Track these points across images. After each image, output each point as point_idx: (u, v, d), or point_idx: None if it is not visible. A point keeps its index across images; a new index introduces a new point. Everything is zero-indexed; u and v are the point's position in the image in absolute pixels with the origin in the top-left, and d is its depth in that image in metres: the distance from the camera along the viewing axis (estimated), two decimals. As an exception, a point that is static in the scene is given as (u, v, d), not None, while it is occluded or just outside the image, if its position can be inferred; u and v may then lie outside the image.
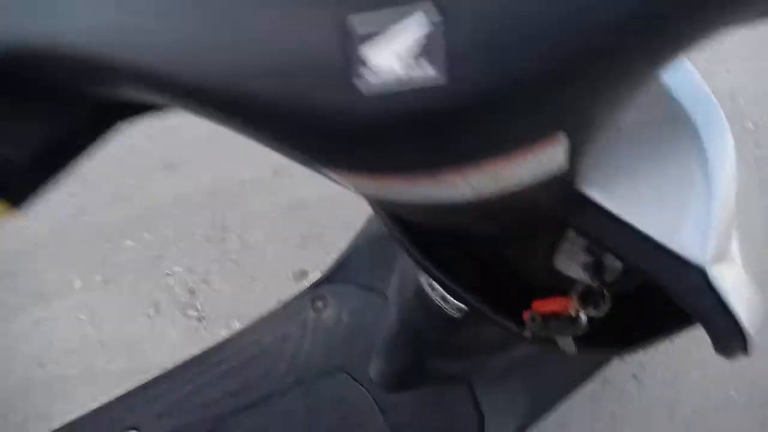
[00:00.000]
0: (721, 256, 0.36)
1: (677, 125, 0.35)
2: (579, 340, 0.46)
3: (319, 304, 1.00)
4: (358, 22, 0.18)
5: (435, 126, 0.20)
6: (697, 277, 0.34)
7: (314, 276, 1.34)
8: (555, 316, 0.44)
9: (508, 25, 0.19)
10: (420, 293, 0.72)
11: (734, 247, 0.39)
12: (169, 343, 1.31)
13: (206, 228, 1.46)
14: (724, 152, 0.35)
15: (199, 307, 1.35)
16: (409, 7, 0.18)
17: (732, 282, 0.36)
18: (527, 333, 0.45)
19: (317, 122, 0.21)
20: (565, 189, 0.33)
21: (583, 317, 0.43)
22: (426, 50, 0.18)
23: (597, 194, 0.34)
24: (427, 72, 0.18)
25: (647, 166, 0.35)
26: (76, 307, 1.36)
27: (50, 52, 0.20)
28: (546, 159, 0.25)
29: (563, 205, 0.35)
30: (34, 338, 1.33)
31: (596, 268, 0.43)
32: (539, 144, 0.24)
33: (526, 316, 0.45)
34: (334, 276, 1.03)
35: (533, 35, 0.19)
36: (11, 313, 1.36)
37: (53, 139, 0.25)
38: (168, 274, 1.40)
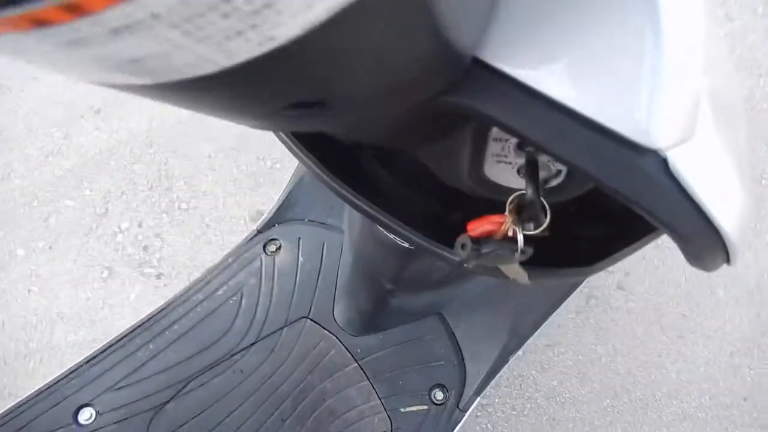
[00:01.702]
0: (684, 135, 0.26)
1: None
2: (528, 266, 0.37)
3: (272, 247, 0.92)
4: None
5: None
6: (651, 166, 0.25)
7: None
8: (488, 238, 0.34)
9: None
10: (369, 226, 0.64)
11: (705, 120, 0.29)
12: (131, 306, 1.24)
13: (149, 177, 1.35)
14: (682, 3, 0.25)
15: (155, 263, 1.27)
16: None
17: (702, 169, 0.27)
18: (460, 260, 0.36)
19: None
20: (446, 53, 0.22)
21: (520, 236, 0.34)
22: None
23: (506, 65, 0.24)
24: None
25: (576, 26, 0.25)
26: (25, 277, 1.27)
27: None
28: None
29: (462, 87, 0.25)
30: (-16, 317, 1.25)
31: (531, 171, 0.34)
32: None
33: (456, 242, 0.35)
34: (283, 214, 0.95)
35: None
36: (-45, 294, 1.27)
37: None
38: (117, 231, 1.30)
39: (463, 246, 0.33)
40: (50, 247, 1.30)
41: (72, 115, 1.41)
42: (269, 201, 1.29)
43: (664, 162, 0.24)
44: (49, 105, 1.42)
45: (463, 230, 0.36)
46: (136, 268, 1.27)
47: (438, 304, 0.83)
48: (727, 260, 0.31)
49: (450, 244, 0.42)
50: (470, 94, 0.25)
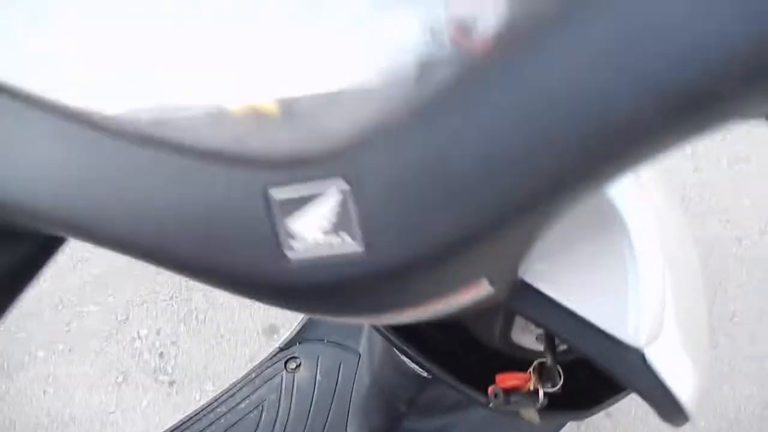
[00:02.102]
0: (655, 335, 0.39)
1: (604, 210, 0.38)
2: (540, 410, 0.49)
3: (293, 365, 1.01)
4: (279, 198, 0.19)
5: (355, 289, 0.21)
6: (635, 359, 0.37)
7: (284, 331, 1.35)
8: (516, 390, 0.47)
9: (417, 193, 0.19)
10: (389, 352, 0.74)
11: (669, 319, 0.43)
12: (142, 412, 1.29)
13: (171, 287, 1.45)
14: (647, 237, 0.38)
15: (170, 370, 1.34)
16: (321, 181, 0.19)
17: (668, 359, 0.39)
18: (492, 405, 0.48)
19: (245, 281, 0.22)
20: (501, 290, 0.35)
21: (541, 392, 0.46)
22: (341, 220, 0.19)
23: (538, 283, 0.37)
24: (345, 240, 0.19)
25: (582, 254, 0.38)
26: (42, 378, 1.33)
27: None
28: (470, 296, 0.28)
29: (505, 296, 0.37)
30: (-3, 416, 1.29)
31: (548, 341, 0.47)
32: (461, 290, 0.26)
33: (490, 391, 0.48)
34: (305, 334, 1.05)
35: (445, 202, 0.19)
36: (-29, 391, 1.31)
37: (8, 269, 0.27)
38: (135, 337, 1.38)
39: (495, 395, 0.45)
40: (70, 350, 1.37)
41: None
42: (281, 315, 1.38)
43: (643, 356, 0.37)
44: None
45: (489, 375, 0.48)
46: (151, 374, 1.33)
47: (448, 426, 0.91)
48: (687, 419, 0.43)
49: (467, 380, 0.53)
50: (510, 301, 0.38)
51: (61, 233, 0.23)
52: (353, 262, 0.20)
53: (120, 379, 1.33)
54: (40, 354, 1.36)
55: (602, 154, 0.18)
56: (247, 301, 1.42)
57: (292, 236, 0.20)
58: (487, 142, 0.17)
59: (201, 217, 0.20)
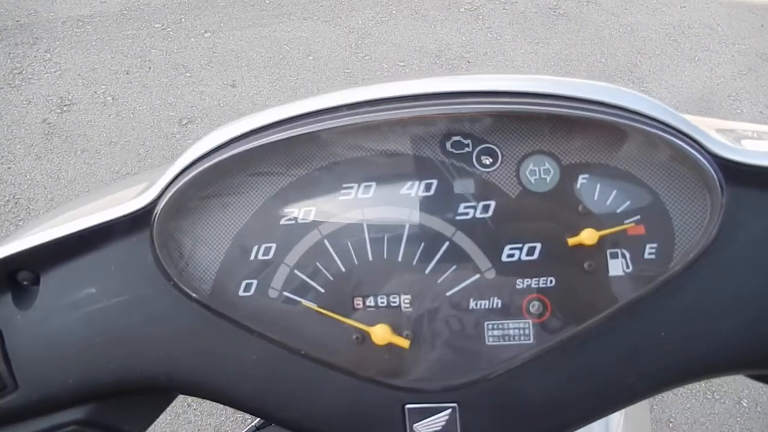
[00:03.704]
0: None
1: None
2: None
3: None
4: (411, 409, 0.28)
5: None
6: None
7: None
8: None
9: (505, 419, 0.28)
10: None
11: None
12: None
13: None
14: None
15: None
16: (443, 405, 0.28)
17: None
18: None
19: None
20: None
21: None
22: (447, 427, 0.28)
23: None
24: None
25: None
26: None
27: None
28: None
29: None
30: None
31: None
32: None
33: None
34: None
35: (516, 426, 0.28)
36: None
37: (142, 422, 0.36)
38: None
39: None
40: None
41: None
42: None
43: None
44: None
45: None
46: None
47: None
48: None
49: None
50: None
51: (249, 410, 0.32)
52: None
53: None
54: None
55: None
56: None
57: None
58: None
59: (355, 418, 0.28)
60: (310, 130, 0.26)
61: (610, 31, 3.10)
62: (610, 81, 2.65)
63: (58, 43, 2.51)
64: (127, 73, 2.38)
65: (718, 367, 0.27)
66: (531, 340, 0.27)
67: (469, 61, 2.69)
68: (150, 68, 2.42)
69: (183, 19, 2.72)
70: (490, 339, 0.27)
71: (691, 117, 0.28)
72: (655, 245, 0.27)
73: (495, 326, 0.27)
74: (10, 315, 0.30)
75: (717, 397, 1.59)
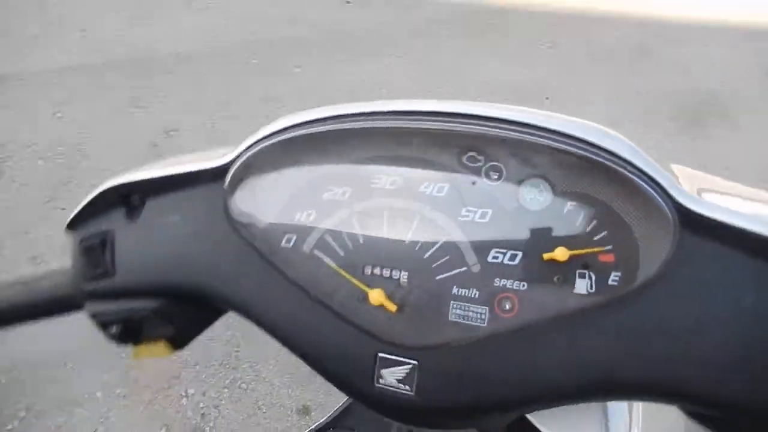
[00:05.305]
0: None
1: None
2: None
3: (323, 449, 1.14)
4: (382, 357, 0.34)
5: (407, 412, 0.36)
6: None
7: (316, 413, 1.48)
8: None
9: (456, 383, 0.33)
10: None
11: None
12: (176, 464, 1.43)
13: (222, 355, 1.62)
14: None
15: (207, 431, 1.48)
16: (407, 359, 0.34)
17: None
18: None
19: (346, 388, 0.37)
20: None
21: None
22: (406, 378, 0.34)
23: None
24: (405, 388, 0.34)
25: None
26: (96, 417, 1.49)
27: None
28: None
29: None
30: (51, 445, 1.45)
31: None
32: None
33: None
34: (336, 422, 1.18)
35: (470, 392, 0.33)
36: (35, 417, 1.48)
37: (198, 325, 0.45)
38: (183, 395, 1.54)
39: None
40: (124, 396, 1.53)
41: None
42: (316, 398, 1.53)
43: None
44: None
45: None
46: (191, 431, 1.48)
47: None
48: None
49: None
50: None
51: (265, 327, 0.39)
52: (408, 399, 0.35)
53: (163, 431, 1.47)
54: (99, 394, 1.53)
55: None
56: (287, 380, 1.57)
57: (381, 377, 0.35)
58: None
59: (343, 353, 0.35)
60: (365, 126, 0.34)
61: (696, 67, 3.04)
62: (693, 119, 2.59)
63: (167, 77, 2.81)
64: (227, 103, 2.63)
65: (631, 388, 0.32)
66: (485, 324, 0.32)
67: (546, 98, 2.73)
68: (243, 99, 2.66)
69: (274, 54, 2.95)
70: (453, 316, 0.33)
71: (676, 166, 0.34)
72: (619, 274, 0.30)
73: (460, 307, 0.33)
74: (122, 224, 0.42)
75: None
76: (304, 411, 1.51)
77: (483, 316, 0.32)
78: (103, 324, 0.43)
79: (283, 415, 1.50)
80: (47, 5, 3.33)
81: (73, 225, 0.44)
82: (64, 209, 1.98)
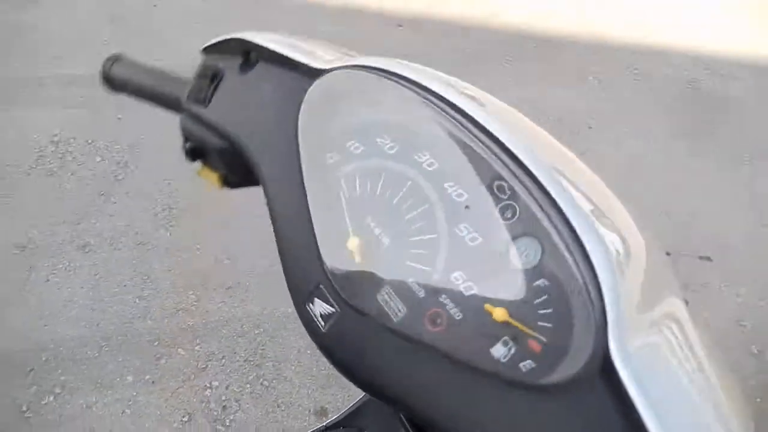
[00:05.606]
0: None
1: None
2: None
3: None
4: (319, 290, 0.38)
5: (316, 344, 0.39)
6: None
7: (333, 416, 1.51)
8: None
9: (355, 352, 0.36)
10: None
11: None
12: (195, 451, 1.47)
13: (248, 351, 1.67)
14: None
15: (227, 423, 1.52)
16: (333, 305, 0.36)
17: None
18: None
19: None
20: None
21: None
22: (326, 317, 0.37)
23: None
24: (320, 323, 0.37)
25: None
26: (124, 400, 1.56)
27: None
28: None
29: None
30: (80, 422, 1.51)
31: None
32: None
33: None
34: (348, 422, 1.20)
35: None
36: (68, 394, 1.56)
37: (243, 180, 0.52)
38: (207, 386, 1.59)
39: None
40: (153, 382, 1.60)
41: (207, 287, 1.81)
42: (335, 401, 1.55)
43: None
44: (193, 275, 1.84)
45: None
46: (212, 422, 1.52)
47: None
48: None
49: None
50: None
51: None
52: (319, 333, 0.38)
53: (186, 418, 1.53)
54: (129, 378, 1.60)
55: None
56: (307, 381, 1.60)
57: (312, 303, 0.38)
58: None
59: (299, 252, 0.39)
60: (447, 114, 0.36)
61: (751, 106, 2.97)
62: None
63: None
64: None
65: None
66: (396, 320, 0.34)
67: (590, 127, 2.72)
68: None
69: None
70: (381, 295, 0.35)
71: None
72: (534, 366, 0.30)
73: (389, 294, 0.34)
74: (233, 71, 0.49)
75: None
76: (322, 412, 1.54)
77: (400, 313, 0.33)
78: (184, 136, 0.52)
79: (300, 415, 1.53)
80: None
81: (206, 50, 0.52)
82: (115, 203, 2.10)
